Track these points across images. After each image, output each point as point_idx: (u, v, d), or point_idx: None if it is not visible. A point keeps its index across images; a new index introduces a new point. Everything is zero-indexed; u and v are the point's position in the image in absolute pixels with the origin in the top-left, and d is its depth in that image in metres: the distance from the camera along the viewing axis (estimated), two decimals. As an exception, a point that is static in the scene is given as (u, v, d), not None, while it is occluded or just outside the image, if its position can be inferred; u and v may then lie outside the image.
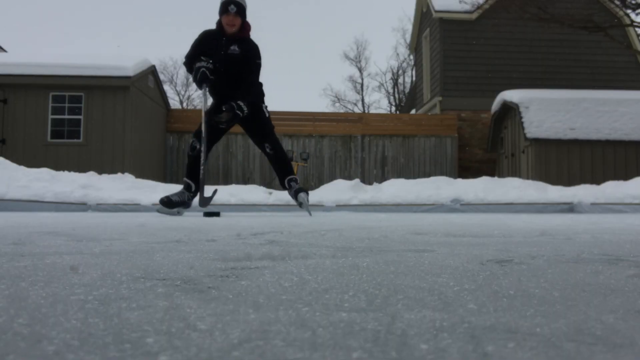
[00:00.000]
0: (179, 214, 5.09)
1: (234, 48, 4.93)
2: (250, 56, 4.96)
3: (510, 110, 13.52)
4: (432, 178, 9.35)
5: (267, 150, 5.30)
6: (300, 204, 5.44)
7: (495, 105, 14.02)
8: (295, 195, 5.40)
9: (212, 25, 5.14)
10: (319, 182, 14.51)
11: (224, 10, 4.90)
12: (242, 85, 4.95)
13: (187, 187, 5.25)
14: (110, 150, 11.94)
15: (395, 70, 39.83)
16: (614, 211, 7.42)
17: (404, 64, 38.62)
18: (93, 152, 11.89)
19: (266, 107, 5.43)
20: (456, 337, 0.67)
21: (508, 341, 0.65)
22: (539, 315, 0.80)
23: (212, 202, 5.33)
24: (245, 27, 4.97)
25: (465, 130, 15.87)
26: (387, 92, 40.74)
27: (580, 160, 12.33)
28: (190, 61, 5.04)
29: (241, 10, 4.92)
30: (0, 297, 0.95)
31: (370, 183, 13.89)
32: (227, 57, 4.95)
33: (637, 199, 7.64)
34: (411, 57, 32.53)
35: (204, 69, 4.83)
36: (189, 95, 40.10)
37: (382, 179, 14.71)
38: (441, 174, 14.81)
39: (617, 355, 0.60)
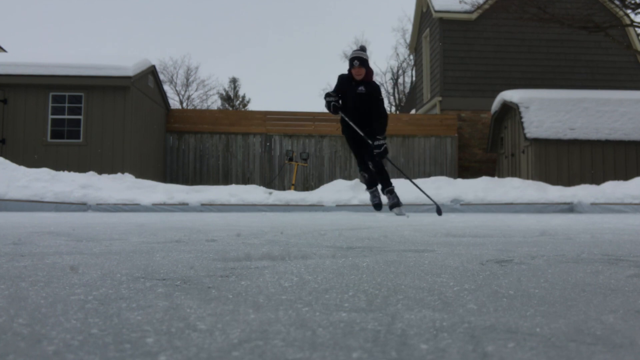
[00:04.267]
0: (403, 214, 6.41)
1: (361, 88, 6.56)
2: (374, 94, 6.55)
3: (510, 110, 13.53)
4: (432, 178, 9.36)
5: (371, 167, 6.67)
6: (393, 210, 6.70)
7: (495, 105, 14.02)
8: (390, 207, 6.70)
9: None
10: (319, 182, 14.52)
11: (351, 64, 6.54)
12: (371, 117, 6.54)
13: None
14: (110, 150, 11.94)
15: (395, 70, 39.87)
16: (614, 211, 7.42)
17: (404, 64, 38.67)
18: (93, 152, 11.89)
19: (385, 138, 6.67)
20: (456, 337, 0.67)
21: (508, 341, 0.65)
22: (539, 315, 0.80)
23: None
24: (369, 73, 6.57)
25: (465, 130, 15.88)
26: (387, 92, 40.76)
27: (580, 160, 12.33)
28: (327, 96, 6.68)
29: (364, 62, 6.52)
30: (0, 297, 0.95)
31: (370, 183, 13.88)
32: (357, 94, 6.57)
33: (637, 199, 7.64)
34: (411, 57, 32.54)
35: (334, 102, 6.57)
36: (189, 95, 40.13)
37: (382, 179, 14.71)
38: (441, 174, 14.82)
39: (617, 355, 0.60)
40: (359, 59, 6.57)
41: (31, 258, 1.55)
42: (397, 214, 6.38)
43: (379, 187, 6.84)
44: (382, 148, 6.29)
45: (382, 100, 6.61)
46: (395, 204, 6.59)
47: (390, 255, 1.67)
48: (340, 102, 6.68)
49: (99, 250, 1.76)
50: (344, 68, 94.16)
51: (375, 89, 6.59)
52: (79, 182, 7.75)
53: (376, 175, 6.70)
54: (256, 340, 0.65)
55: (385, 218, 4.88)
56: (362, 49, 6.78)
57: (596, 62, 15.84)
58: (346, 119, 6.60)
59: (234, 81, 43.81)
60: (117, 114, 11.94)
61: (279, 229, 2.99)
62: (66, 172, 8.58)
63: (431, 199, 6.68)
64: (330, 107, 6.60)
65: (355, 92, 6.58)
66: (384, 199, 6.87)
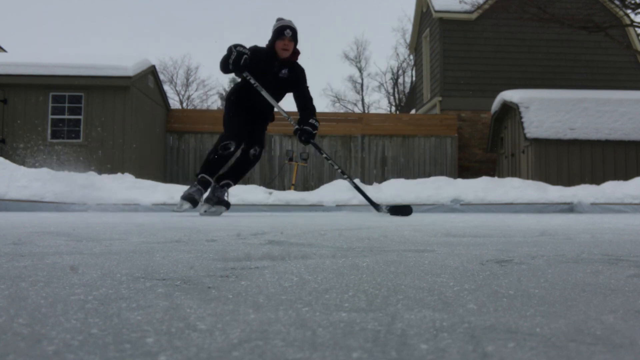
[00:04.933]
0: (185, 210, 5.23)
1: (285, 72, 5.17)
2: (300, 81, 5.25)
3: (510, 110, 13.53)
4: (432, 178, 9.36)
5: (252, 152, 5.35)
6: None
7: (495, 105, 14.02)
8: (210, 200, 5.33)
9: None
10: (319, 182, 14.52)
11: (279, 34, 5.06)
12: (303, 109, 5.25)
13: (207, 185, 5.25)
14: (110, 150, 11.94)
15: (395, 70, 39.88)
16: (614, 211, 7.42)
17: (404, 64, 38.67)
18: (93, 152, 11.89)
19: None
20: (456, 337, 0.67)
21: (508, 341, 0.65)
22: (539, 315, 0.80)
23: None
24: (296, 53, 5.20)
25: (465, 130, 15.87)
26: (387, 92, 40.78)
27: (580, 160, 12.33)
28: (229, 54, 4.98)
29: (295, 35, 5.12)
30: (0, 297, 0.95)
31: (370, 183, 13.90)
32: (278, 79, 5.17)
33: (637, 199, 7.64)
34: (411, 57, 32.54)
35: (246, 55, 4.90)
36: (189, 95, 40.12)
37: (382, 179, 14.71)
38: (441, 174, 14.81)
39: (617, 355, 0.60)
40: (291, 29, 5.06)
41: (31, 258, 1.55)
42: (207, 211, 5.18)
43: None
44: (316, 131, 5.15)
45: (308, 87, 5.29)
46: (222, 200, 5.32)
47: (390, 255, 1.66)
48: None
49: (99, 250, 1.76)
50: (344, 68, 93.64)
51: (301, 74, 5.24)
52: (79, 182, 7.75)
53: (238, 164, 5.38)
54: (256, 340, 0.65)
55: (385, 218, 4.88)
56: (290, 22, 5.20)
57: (596, 62, 15.85)
58: (255, 84, 4.98)
59: (234, 81, 43.82)
60: (117, 114, 11.94)
61: (279, 229, 2.99)
62: (66, 172, 8.58)
63: (370, 201, 5.73)
64: (241, 61, 4.84)
65: (276, 75, 5.13)
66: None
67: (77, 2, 61.66)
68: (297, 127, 5.18)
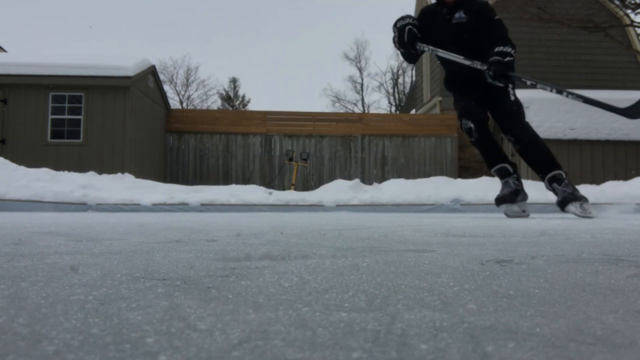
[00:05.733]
0: (524, 213, 4.67)
1: (460, 15, 4.29)
2: (483, 17, 4.27)
3: (510, 110, 13.55)
4: (432, 178, 9.36)
5: (512, 143, 4.50)
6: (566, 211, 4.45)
7: (495, 105, 14.03)
8: (561, 203, 4.41)
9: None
10: (319, 182, 14.52)
11: None
12: (486, 51, 4.16)
13: (504, 174, 4.70)
14: (110, 150, 11.94)
15: (395, 70, 39.92)
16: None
17: (404, 64, 38.68)
18: (93, 152, 11.89)
19: (512, 87, 4.38)
20: (456, 337, 0.67)
21: (508, 341, 0.65)
22: (539, 315, 0.80)
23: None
24: None
25: (465, 130, 15.88)
26: (387, 92, 40.81)
27: (580, 160, 12.33)
28: (400, 20, 4.43)
29: None
30: (0, 297, 0.95)
31: (370, 183, 13.91)
32: (453, 27, 4.30)
33: (637, 199, 7.64)
34: (411, 57, 32.59)
35: (409, 26, 4.23)
36: (189, 95, 40.11)
37: (382, 179, 14.71)
38: (441, 174, 14.82)
39: (617, 355, 0.60)
40: None
41: (31, 258, 1.55)
42: (580, 215, 4.20)
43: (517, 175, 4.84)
44: (505, 58, 3.96)
45: (500, 21, 4.23)
46: (571, 195, 4.25)
47: (390, 255, 1.66)
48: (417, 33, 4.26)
49: (99, 250, 1.76)
50: (344, 68, 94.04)
51: (483, 10, 4.27)
52: (79, 182, 7.75)
53: (527, 148, 4.43)
54: (256, 340, 0.65)
55: (385, 218, 4.86)
56: None
57: (596, 62, 15.85)
58: (440, 52, 4.27)
59: (234, 81, 43.83)
60: (117, 114, 11.95)
61: (279, 229, 2.99)
62: (66, 172, 8.58)
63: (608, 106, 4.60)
64: (404, 36, 4.19)
65: (450, 23, 4.30)
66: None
67: (77, 2, 61.67)
68: (485, 66, 4.11)
